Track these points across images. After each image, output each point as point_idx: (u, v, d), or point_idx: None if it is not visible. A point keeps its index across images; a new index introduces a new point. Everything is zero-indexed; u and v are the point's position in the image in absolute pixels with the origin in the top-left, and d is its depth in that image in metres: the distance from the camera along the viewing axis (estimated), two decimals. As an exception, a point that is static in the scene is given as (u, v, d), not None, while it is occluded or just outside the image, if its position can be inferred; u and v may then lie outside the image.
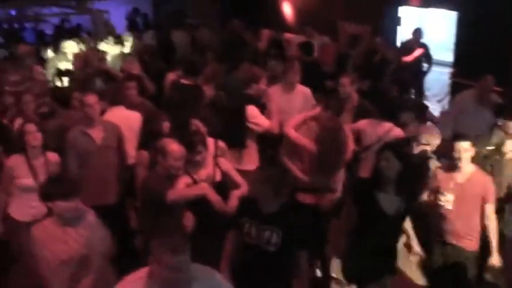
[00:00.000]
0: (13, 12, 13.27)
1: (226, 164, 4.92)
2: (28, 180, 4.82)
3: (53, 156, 5.01)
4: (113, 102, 6.00)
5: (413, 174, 4.50)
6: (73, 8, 13.57)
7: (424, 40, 9.57)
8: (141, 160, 5.06)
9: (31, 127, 4.86)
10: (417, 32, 9.54)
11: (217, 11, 13.99)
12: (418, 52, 9.38)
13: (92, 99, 5.16)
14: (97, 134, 5.22)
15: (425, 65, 9.66)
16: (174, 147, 4.52)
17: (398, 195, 4.13)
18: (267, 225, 3.77)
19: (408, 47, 9.58)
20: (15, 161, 4.88)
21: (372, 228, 4.16)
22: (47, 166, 4.90)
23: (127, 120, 5.72)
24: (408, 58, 9.38)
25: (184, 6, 14.53)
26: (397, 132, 5.60)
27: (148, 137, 5.03)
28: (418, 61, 9.51)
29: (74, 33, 12.39)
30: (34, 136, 4.83)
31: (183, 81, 6.79)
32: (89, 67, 7.98)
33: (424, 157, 5.12)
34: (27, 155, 4.86)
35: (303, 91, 6.59)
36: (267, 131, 5.94)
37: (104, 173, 5.22)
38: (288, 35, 11.85)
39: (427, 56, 9.59)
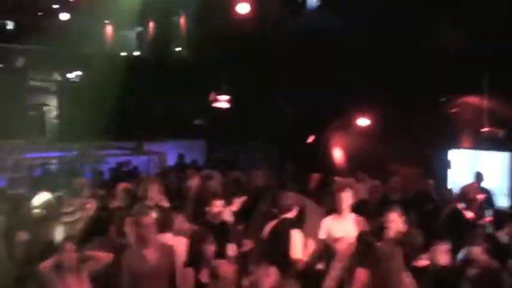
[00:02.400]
0: (74, 153, 13.94)
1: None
2: None
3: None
4: (162, 230, 6.06)
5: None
6: (132, 149, 14.26)
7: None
8: (186, 278, 5.04)
9: (69, 246, 5.04)
10: (477, 177, 9.46)
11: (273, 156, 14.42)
12: (480, 197, 9.21)
13: (148, 220, 5.25)
14: (151, 255, 5.24)
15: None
16: (227, 271, 4.49)
17: None
18: None
19: (467, 193, 9.41)
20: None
21: None
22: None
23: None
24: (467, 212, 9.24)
25: (237, 153, 15.06)
26: None
27: (194, 257, 5.10)
28: (479, 207, 9.25)
29: (130, 176, 12.84)
30: (70, 256, 4.99)
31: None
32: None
33: None
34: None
35: (355, 218, 6.66)
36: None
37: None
38: (338, 179, 12.01)
39: (488, 202, 9.36)
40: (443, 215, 8.58)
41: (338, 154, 13.73)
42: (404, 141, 10.93)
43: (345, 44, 11.34)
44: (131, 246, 5.40)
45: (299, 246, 5.91)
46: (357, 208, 7.92)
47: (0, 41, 15.55)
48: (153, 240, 5.31)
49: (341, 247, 5.88)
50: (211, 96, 15.20)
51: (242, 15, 11.90)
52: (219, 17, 13.66)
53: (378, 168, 11.65)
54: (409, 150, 11.04)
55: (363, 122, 12.36)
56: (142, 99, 14.01)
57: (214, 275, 4.56)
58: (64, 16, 17.23)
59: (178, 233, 6.15)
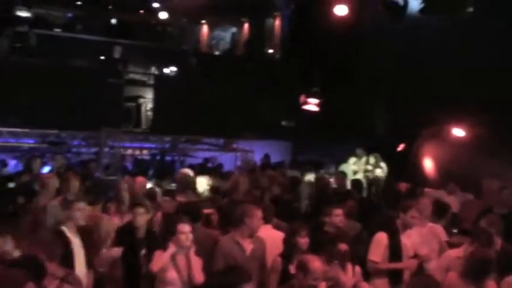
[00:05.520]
0: (166, 146, 14.39)
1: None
2: (171, 273, 4.97)
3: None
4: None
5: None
6: (220, 146, 14.52)
7: None
8: (275, 266, 5.11)
9: (186, 228, 5.08)
10: None
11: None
12: None
13: (259, 213, 5.39)
14: (247, 245, 5.33)
15: None
16: (316, 265, 4.45)
17: None
18: None
19: None
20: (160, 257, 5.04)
21: None
22: (189, 264, 5.03)
23: (272, 239, 5.73)
24: None
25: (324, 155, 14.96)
26: None
27: (288, 249, 5.15)
28: None
29: (214, 171, 13.05)
30: (187, 236, 5.03)
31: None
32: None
33: None
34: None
35: (435, 226, 6.66)
36: None
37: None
38: (427, 190, 11.64)
39: None
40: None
41: (429, 164, 13.29)
42: (502, 154, 10.40)
43: (445, 49, 10.95)
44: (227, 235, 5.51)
45: (378, 249, 5.75)
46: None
47: (104, 35, 16.48)
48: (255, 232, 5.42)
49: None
50: (302, 99, 15.15)
51: (339, 17, 11.76)
52: (315, 19, 13.63)
53: (472, 182, 11.18)
54: (507, 164, 10.50)
55: (458, 132, 11.88)
56: (235, 98, 14.28)
57: (303, 268, 4.50)
58: (163, 15, 17.91)
59: (277, 226, 6.28)
